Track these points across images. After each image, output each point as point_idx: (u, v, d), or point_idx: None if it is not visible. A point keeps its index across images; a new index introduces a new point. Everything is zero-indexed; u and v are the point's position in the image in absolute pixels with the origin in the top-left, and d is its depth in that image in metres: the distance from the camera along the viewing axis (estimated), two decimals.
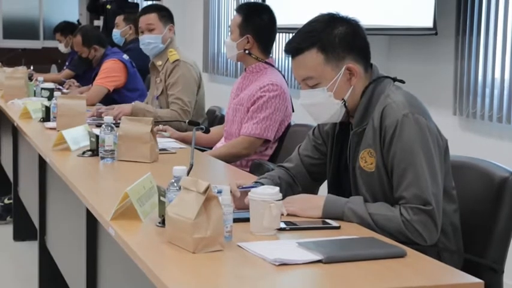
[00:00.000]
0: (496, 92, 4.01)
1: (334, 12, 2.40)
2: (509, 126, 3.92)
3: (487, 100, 4.05)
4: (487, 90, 4.07)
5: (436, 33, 4.19)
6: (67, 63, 7.94)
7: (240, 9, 3.83)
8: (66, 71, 7.66)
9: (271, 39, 3.83)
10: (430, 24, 4.21)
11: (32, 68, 7.40)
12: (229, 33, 3.85)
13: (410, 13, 4.48)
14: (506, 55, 3.95)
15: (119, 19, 6.76)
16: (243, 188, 2.35)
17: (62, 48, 8.23)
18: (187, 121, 3.65)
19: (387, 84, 2.38)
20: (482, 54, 4.09)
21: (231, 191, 2.25)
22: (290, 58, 2.41)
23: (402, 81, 2.42)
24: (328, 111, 2.37)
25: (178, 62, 4.47)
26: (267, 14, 3.79)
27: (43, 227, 3.84)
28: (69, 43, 7.97)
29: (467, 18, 4.15)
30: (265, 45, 3.78)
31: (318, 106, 2.37)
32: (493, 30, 4.03)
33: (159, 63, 4.57)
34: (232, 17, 4.24)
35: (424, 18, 4.26)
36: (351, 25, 2.37)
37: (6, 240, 5.09)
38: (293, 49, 2.37)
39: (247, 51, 3.74)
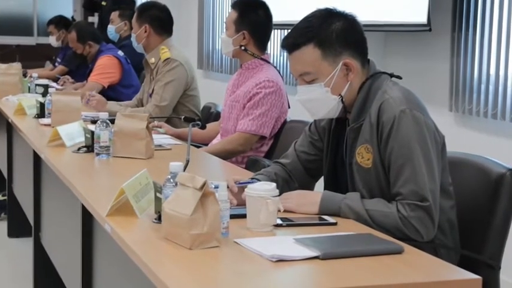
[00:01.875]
0: (491, 88, 4.00)
1: (331, 8, 2.39)
2: (504, 123, 3.92)
3: (483, 96, 4.05)
4: (483, 87, 4.06)
5: (430, 29, 4.18)
6: (59, 60, 7.92)
7: (236, 5, 3.82)
8: (60, 67, 7.66)
9: (267, 35, 3.82)
10: (424, 20, 4.21)
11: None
12: (225, 29, 3.84)
13: (404, 9, 4.48)
14: (502, 51, 3.94)
15: (114, 15, 6.75)
16: (240, 183, 2.34)
17: (53, 41, 8.18)
18: (182, 117, 3.64)
19: (384, 80, 2.37)
20: (478, 51, 4.08)
21: (228, 187, 2.25)
22: (287, 54, 2.40)
23: (399, 77, 2.41)
24: (325, 106, 2.37)
25: (169, 61, 4.45)
26: (263, 10, 3.79)
27: (38, 224, 3.82)
28: (61, 37, 7.96)
29: (463, 15, 4.15)
30: (261, 41, 3.77)
31: (314, 102, 2.37)
32: (488, 26, 4.02)
33: (152, 60, 4.56)
34: (227, 14, 4.23)
35: (419, 15, 4.26)
36: (348, 20, 2.37)
37: (1, 237, 5.08)
38: (290, 44, 2.37)
39: (243, 48, 3.74)
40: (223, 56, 6.98)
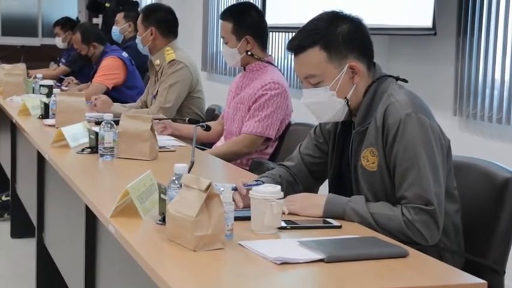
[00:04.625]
0: (496, 92, 4.00)
1: (338, 10, 2.39)
2: (509, 127, 3.91)
3: (487, 101, 4.04)
4: (487, 91, 4.06)
5: (435, 34, 4.18)
6: (63, 60, 7.94)
7: (227, 15, 3.80)
8: (62, 67, 7.68)
9: (267, 33, 3.86)
10: (429, 24, 4.21)
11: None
12: (224, 43, 3.82)
13: (409, 13, 4.48)
14: (507, 56, 3.94)
15: (119, 16, 6.76)
16: (247, 186, 2.33)
17: (59, 42, 8.20)
18: (187, 119, 3.64)
19: (390, 83, 2.37)
20: (483, 55, 4.08)
21: (237, 189, 2.25)
22: (292, 56, 2.40)
23: (405, 81, 2.41)
24: (331, 109, 2.36)
25: (173, 63, 4.45)
26: (254, 10, 3.84)
27: (41, 224, 3.82)
28: (67, 38, 7.98)
29: (468, 19, 4.14)
30: (264, 41, 3.80)
31: (320, 105, 2.36)
32: (494, 30, 4.02)
33: (157, 62, 4.56)
34: None
35: (424, 18, 4.26)
36: (354, 23, 2.36)
37: (4, 238, 5.08)
38: (296, 47, 2.36)
39: (249, 53, 3.73)
40: None
